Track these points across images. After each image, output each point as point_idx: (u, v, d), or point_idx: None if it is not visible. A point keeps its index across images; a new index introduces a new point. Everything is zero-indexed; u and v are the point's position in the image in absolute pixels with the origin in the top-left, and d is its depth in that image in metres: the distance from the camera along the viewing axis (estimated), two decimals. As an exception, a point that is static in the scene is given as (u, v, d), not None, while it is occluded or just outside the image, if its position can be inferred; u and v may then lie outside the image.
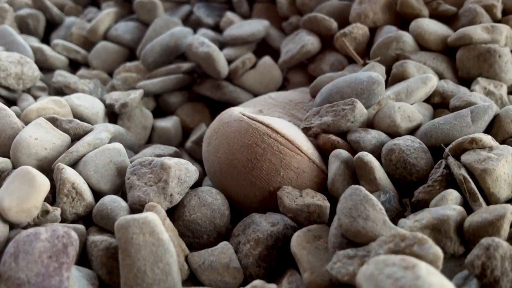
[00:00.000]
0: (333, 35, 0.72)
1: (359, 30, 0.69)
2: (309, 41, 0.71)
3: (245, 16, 0.86)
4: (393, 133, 0.53)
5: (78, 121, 0.57)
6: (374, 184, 0.47)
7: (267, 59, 0.75)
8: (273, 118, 0.56)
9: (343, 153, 0.50)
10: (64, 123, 0.56)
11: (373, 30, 0.71)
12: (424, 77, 0.58)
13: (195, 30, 0.82)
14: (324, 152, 0.53)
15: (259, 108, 0.61)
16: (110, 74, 0.80)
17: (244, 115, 0.54)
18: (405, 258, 0.32)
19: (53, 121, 0.56)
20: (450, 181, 0.46)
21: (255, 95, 0.74)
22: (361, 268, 0.33)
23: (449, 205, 0.42)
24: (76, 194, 0.47)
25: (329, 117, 0.53)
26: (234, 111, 0.56)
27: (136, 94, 0.68)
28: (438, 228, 0.39)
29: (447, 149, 0.48)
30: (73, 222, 0.48)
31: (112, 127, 0.59)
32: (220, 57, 0.71)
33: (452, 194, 0.43)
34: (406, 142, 0.49)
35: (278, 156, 0.50)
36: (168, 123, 0.72)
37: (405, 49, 0.64)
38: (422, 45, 0.65)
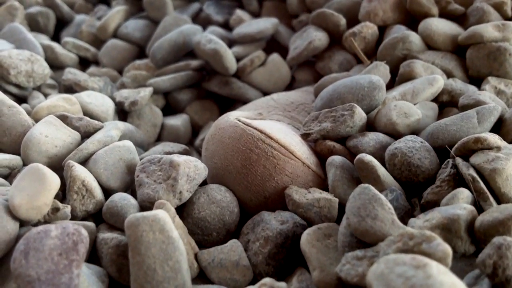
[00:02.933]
0: (342, 31, 0.71)
1: (368, 29, 0.69)
2: (316, 37, 0.71)
3: (255, 14, 0.86)
4: (391, 131, 0.52)
5: (88, 118, 0.57)
6: (379, 183, 0.46)
7: (275, 57, 0.75)
8: (269, 122, 0.55)
9: (336, 159, 0.50)
10: (74, 120, 0.56)
11: (383, 29, 0.71)
12: (431, 78, 0.57)
13: (204, 28, 0.82)
14: (323, 158, 0.53)
15: (260, 110, 0.61)
16: (120, 72, 0.80)
17: (239, 121, 0.54)
18: (416, 257, 0.32)
19: (63, 118, 0.56)
20: (458, 180, 0.45)
21: (264, 92, 0.74)
22: (372, 267, 0.33)
23: (459, 204, 0.42)
24: (86, 192, 0.48)
25: (328, 123, 0.53)
26: (230, 117, 0.55)
27: (146, 92, 0.69)
28: (449, 227, 0.39)
29: (452, 150, 0.47)
30: (83, 219, 0.48)
31: (122, 125, 0.59)
32: (228, 53, 0.71)
33: (464, 193, 0.43)
34: (407, 144, 0.48)
35: (272, 161, 0.50)
36: (177, 121, 0.72)
37: (412, 49, 0.63)
38: (431, 46, 0.64)
